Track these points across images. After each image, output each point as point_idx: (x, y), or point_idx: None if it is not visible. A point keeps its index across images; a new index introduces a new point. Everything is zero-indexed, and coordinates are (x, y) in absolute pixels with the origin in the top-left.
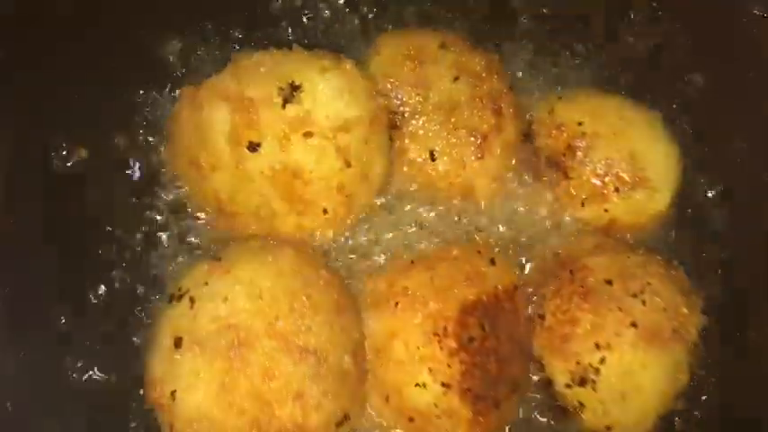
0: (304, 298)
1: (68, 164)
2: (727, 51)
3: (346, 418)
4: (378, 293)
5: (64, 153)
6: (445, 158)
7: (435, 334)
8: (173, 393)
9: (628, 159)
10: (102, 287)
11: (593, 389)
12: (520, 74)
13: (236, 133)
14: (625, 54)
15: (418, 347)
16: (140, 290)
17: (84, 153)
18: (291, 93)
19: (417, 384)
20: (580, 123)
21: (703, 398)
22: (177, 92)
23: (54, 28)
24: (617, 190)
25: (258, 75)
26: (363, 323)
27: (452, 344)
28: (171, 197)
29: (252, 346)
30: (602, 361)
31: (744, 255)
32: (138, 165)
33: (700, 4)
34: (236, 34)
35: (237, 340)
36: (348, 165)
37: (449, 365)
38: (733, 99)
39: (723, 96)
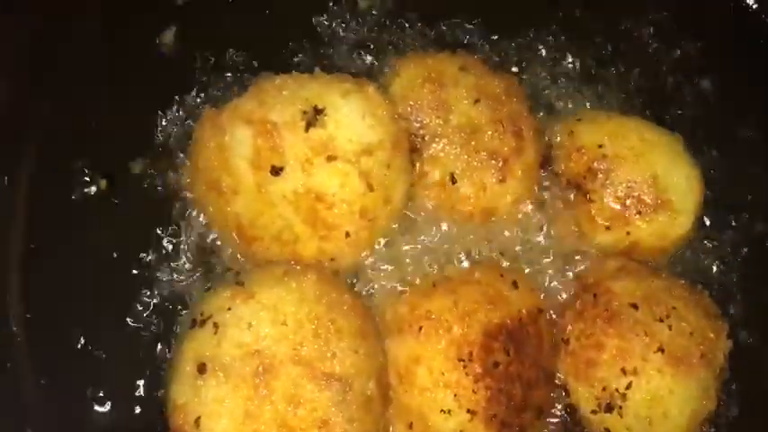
0: (328, 323)
1: (89, 190)
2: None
3: None
4: (400, 318)
5: (85, 179)
6: (466, 181)
7: (460, 359)
8: (197, 420)
9: (650, 182)
10: (126, 313)
11: (620, 414)
12: (541, 98)
13: (258, 157)
14: (644, 76)
15: (443, 373)
16: (163, 316)
17: (103, 184)
18: (315, 116)
19: (442, 411)
20: (601, 146)
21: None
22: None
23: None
24: (639, 213)
25: (281, 98)
26: (386, 348)
27: (478, 369)
28: (191, 221)
29: (277, 372)
30: (629, 386)
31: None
32: (158, 188)
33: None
34: (256, 60)
35: (262, 367)
36: (371, 188)
37: (474, 391)
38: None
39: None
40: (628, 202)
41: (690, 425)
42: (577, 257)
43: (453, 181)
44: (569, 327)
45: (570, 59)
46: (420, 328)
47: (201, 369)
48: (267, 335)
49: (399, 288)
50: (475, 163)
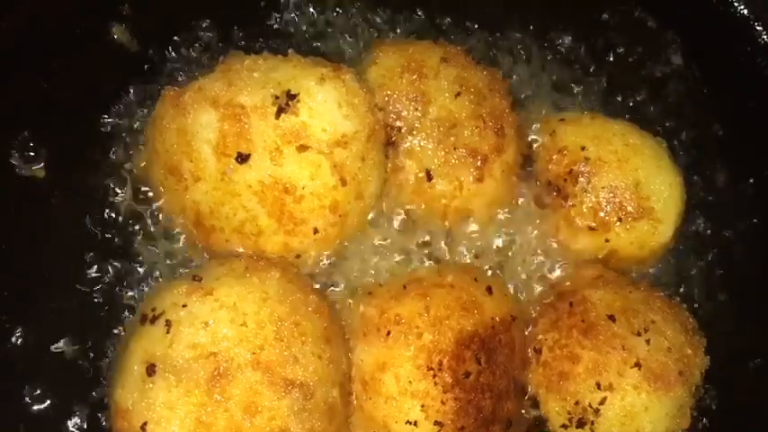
0: (292, 326)
1: (34, 168)
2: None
3: None
4: (368, 320)
5: (29, 154)
6: (442, 179)
7: (429, 368)
8: (143, 426)
9: (632, 188)
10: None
11: (592, 431)
12: (522, 95)
13: (223, 143)
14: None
15: (410, 381)
16: (108, 308)
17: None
18: (287, 102)
19: (408, 422)
20: (583, 148)
21: None
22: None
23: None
24: (620, 220)
25: (251, 80)
26: (351, 352)
27: (448, 379)
28: (145, 207)
29: (234, 377)
30: (603, 402)
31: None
32: (111, 173)
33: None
34: (231, 35)
35: (218, 371)
36: (343, 182)
37: (443, 402)
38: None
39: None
40: (609, 208)
41: None
42: (554, 264)
43: (429, 177)
44: (542, 336)
45: (552, 56)
46: (388, 333)
47: (150, 370)
48: (225, 336)
49: (368, 288)
50: (453, 160)
